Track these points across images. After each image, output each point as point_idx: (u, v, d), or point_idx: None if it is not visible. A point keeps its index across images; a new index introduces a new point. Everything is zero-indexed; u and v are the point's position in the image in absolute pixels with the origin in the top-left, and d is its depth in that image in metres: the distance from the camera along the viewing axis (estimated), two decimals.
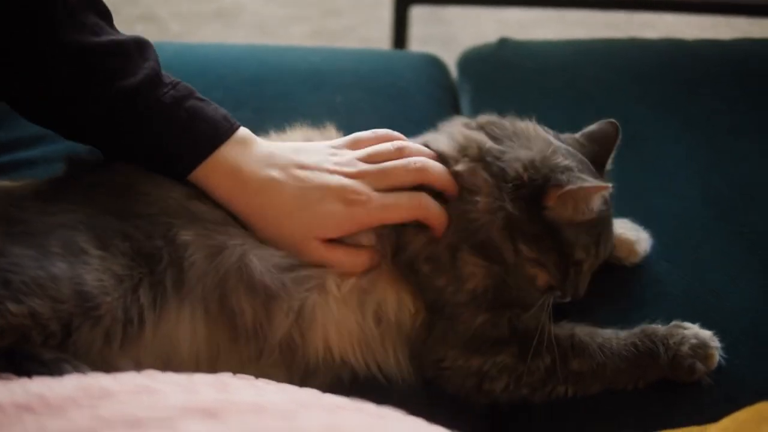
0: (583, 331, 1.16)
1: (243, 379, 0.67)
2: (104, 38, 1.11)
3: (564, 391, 1.14)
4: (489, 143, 1.20)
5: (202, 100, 1.15)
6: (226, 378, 0.66)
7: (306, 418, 0.58)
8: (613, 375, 1.13)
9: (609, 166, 1.25)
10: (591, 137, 1.26)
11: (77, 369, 0.92)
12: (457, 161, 1.19)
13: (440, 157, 1.20)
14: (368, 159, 1.18)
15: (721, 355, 1.15)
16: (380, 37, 3.04)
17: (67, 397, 0.61)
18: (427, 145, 1.22)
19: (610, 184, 1.13)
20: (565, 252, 1.14)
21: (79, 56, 1.10)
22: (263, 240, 1.13)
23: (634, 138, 1.39)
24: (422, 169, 1.17)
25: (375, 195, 1.14)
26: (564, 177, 1.13)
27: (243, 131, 1.16)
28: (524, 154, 1.17)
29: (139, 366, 1.00)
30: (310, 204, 1.13)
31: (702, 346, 1.14)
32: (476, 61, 1.76)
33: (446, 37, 3.15)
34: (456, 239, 1.16)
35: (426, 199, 1.15)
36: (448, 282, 1.15)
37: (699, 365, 1.13)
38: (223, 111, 1.16)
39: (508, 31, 1.81)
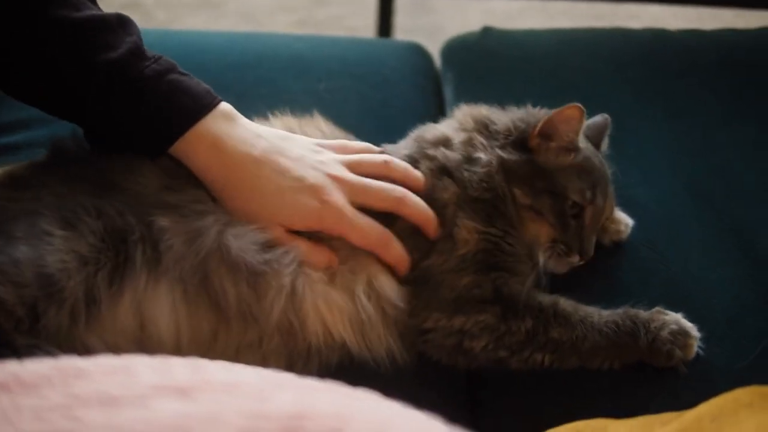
0: (566, 302, 1.17)
1: (218, 363, 0.67)
2: (87, 13, 1.12)
3: (541, 359, 1.15)
4: (485, 112, 1.28)
5: (184, 74, 1.16)
6: (200, 361, 0.66)
7: (277, 397, 0.58)
8: (591, 350, 1.14)
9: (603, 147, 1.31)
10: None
11: (50, 354, 0.91)
12: (456, 134, 1.25)
13: (443, 138, 1.25)
14: (352, 166, 1.19)
15: (699, 346, 1.16)
16: (367, 27, 3.04)
17: (41, 375, 0.60)
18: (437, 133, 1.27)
19: (580, 104, 1.18)
20: (558, 194, 1.18)
21: (63, 30, 1.10)
22: (230, 212, 1.13)
23: (617, 127, 1.39)
24: (400, 200, 1.17)
25: (349, 209, 1.15)
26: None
27: (226, 106, 1.16)
28: (513, 115, 1.28)
29: (109, 343, 1.03)
30: (284, 192, 1.13)
31: (682, 334, 1.15)
32: (460, 49, 1.76)
33: (432, 27, 3.15)
34: (454, 209, 1.18)
35: (394, 244, 1.16)
36: (439, 257, 1.17)
37: (677, 351, 1.14)
38: (205, 85, 1.16)
39: (493, 22, 1.81)
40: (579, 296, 1.20)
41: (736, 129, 1.52)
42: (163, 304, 1.07)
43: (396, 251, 1.16)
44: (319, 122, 1.30)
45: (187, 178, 1.14)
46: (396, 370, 1.17)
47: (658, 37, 1.75)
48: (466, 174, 1.20)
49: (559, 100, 1.25)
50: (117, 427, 0.53)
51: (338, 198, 1.14)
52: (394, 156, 1.24)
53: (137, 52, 1.13)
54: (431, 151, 1.24)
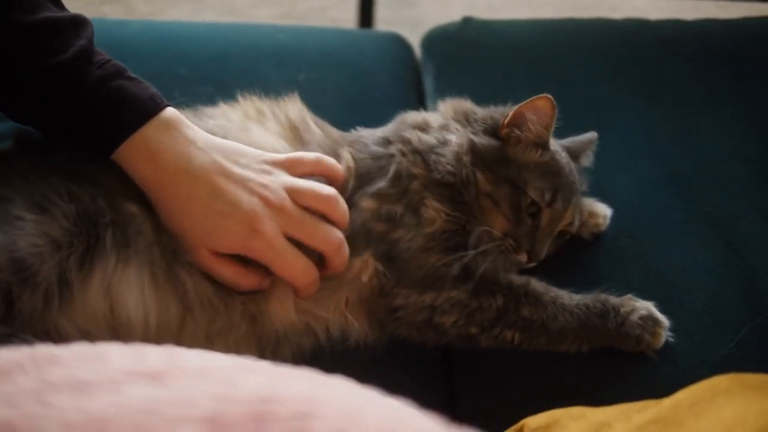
0: (538, 283, 1.18)
1: (193, 351, 0.67)
2: (39, 16, 1.09)
3: (511, 336, 1.15)
4: (469, 105, 1.31)
5: (131, 79, 1.12)
6: (175, 348, 0.66)
7: (247, 382, 0.58)
8: (561, 331, 1.15)
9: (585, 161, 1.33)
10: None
11: (27, 342, 0.92)
12: (436, 121, 1.28)
13: (422, 123, 1.27)
14: (296, 194, 1.14)
15: (669, 336, 1.18)
16: (349, 19, 3.04)
17: (14, 362, 0.60)
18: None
19: (550, 96, 1.19)
20: (518, 188, 1.19)
21: (11, 34, 1.08)
22: (163, 224, 1.12)
23: (596, 116, 1.40)
24: (336, 250, 1.15)
25: (279, 241, 1.12)
26: None
27: (170, 113, 1.12)
28: (496, 108, 1.31)
29: (81, 328, 1.04)
30: (214, 215, 1.10)
31: (651, 320, 1.16)
32: (440, 40, 1.75)
33: (414, 19, 3.15)
34: (420, 186, 1.19)
35: (315, 283, 1.15)
36: (406, 232, 1.17)
37: (646, 336, 1.15)
38: (152, 91, 1.13)
39: (476, 13, 1.80)
40: (557, 285, 1.20)
41: (716, 118, 1.52)
42: (132, 288, 1.07)
43: (314, 288, 1.15)
44: (289, 107, 1.29)
45: None
46: (375, 357, 1.17)
47: (638, 27, 1.76)
48: (433, 157, 1.21)
49: (538, 89, 1.25)
50: (87, 411, 0.53)
51: (270, 229, 1.10)
52: (367, 139, 1.26)
53: (84, 57, 1.10)
54: (407, 134, 1.24)
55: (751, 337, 1.21)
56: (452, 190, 1.19)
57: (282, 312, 1.15)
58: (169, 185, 1.10)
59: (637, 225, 1.34)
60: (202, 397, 0.54)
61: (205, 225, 1.10)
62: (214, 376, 0.59)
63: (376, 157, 1.23)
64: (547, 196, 1.20)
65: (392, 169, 1.20)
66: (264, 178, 1.13)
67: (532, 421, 1.07)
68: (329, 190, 1.16)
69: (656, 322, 1.16)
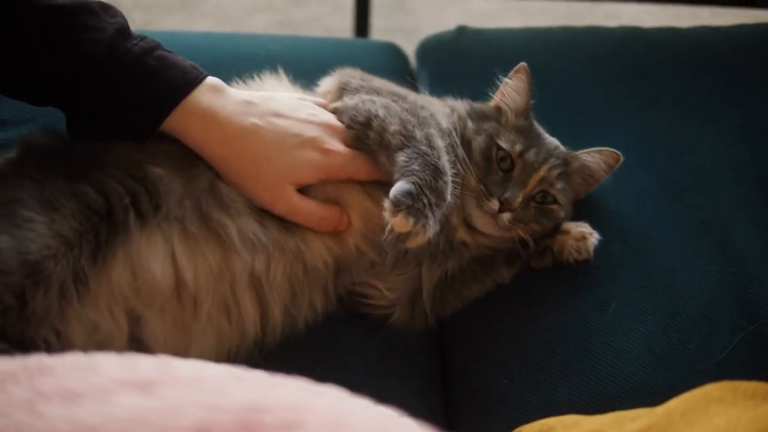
0: None
1: (187, 361, 0.67)
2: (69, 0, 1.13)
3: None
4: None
5: (169, 51, 1.18)
6: (168, 358, 0.66)
7: (236, 391, 0.59)
8: None
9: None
10: None
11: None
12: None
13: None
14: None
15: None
16: (345, 28, 3.04)
17: (7, 372, 0.61)
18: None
19: (525, 64, 1.33)
20: (492, 138, 1.27)
21: (49, 15, 1.11)
22: (236, 185, 1.17)
23: (590, 123, 1.40)
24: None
25: (349, 152, 1.21)
26: None
27: (213, 79, 1.19)
28: None
29: (96, 319, 1.08)
30: (289, 149, 1.17)
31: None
32: (435, 48, 1.76)
33: (410, 28, 3.15)
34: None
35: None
36: None
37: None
38: (190, 61, 1.19)
39: (471, 22, 1.80)
40: (548, 290, 1.21)
41: (710, 125, 1.52)
42: (159, 255, 1.12)
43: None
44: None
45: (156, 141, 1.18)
46: (369, 366, 1.18)
47: (632, 34, 1.76)
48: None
49: (533, 98, 1.26)
50: (76, 420, 0.53)
51: (337, 145, 1.20)
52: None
53: (124, 32, 1.15)
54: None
55: (745, 345, 1.21)
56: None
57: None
58: (234, 143, 1.17)
59: (630, 231, 1.34)
60: (191, 407, 0.54)
61: (284, 161, 1.17)
62: (206, 385, 0.59)
63: None
64: (518, 147, 1.26)
65: None
66: (307, 110, 1.23)
67: (527, 429, 1.08)
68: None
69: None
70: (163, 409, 0.54)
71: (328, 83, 1.35)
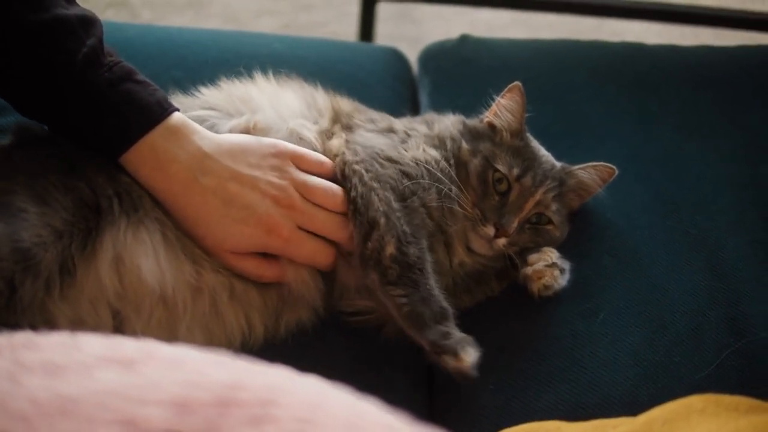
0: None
1: (170, 344, 0.68)
2: (50, 14, 1.10)
3: None
4: None
5: (139, 82, 1.14)
6: (151, 341, 0.67)
7: (218, 372, 0.59)
8: None
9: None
10: None
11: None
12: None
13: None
14: (306, 190, 1.19)
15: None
16: (350, 33, 3.04)
17: None
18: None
19: (519, 83, 1.31)
20: (488, 161, 1.26)
21: (23, 34, 1.09)
22: (181, 230, 1.16)
23: (588, 136, 1.40)
24: (348, 238, 1.20)
25: (296, 235, 1.18)
26: None
27: (177, 118, 1.15)
28: None
29: (80, 312, 1.08)
30: (230, 221, 1.15)
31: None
32: (437, 56, 1.77)
33: (415, 36, 3.15)
34: None
35: (334, 255, 1.22)
36: None
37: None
38: (160, 95, 1.15)
39: (476, 33, 1.81)
40: (541, 302, 1.21)
41: (707, 143, 1.53)
42: (146, 243, 1.12)
43: (334, 263, 1.23)
44: (296, 85, 1.37)
45: None
46: (353, 371, 1.18)
47: (634, 50, 1.77)
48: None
49: (531, 107, 1.27)
50: (56, 391, 0.54)
51: (285, 227, 1.17)
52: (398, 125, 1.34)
53: (93, 58, 1.11)
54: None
55: (730, 361, 1.21)
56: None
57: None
58: (181, 195, 1.14)
59: (622, 244, 1.34)
60: (170, 384, 0.55)
61: (223, 231, 1.15)
62: (186, 366, 0.60)
63: None
64: (515, 171, 1.26)
65: None
66: (274, 177, 1.17)
67: None
68: (336, 190, 1.21)
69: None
70: (143, 385, 0.55)
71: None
